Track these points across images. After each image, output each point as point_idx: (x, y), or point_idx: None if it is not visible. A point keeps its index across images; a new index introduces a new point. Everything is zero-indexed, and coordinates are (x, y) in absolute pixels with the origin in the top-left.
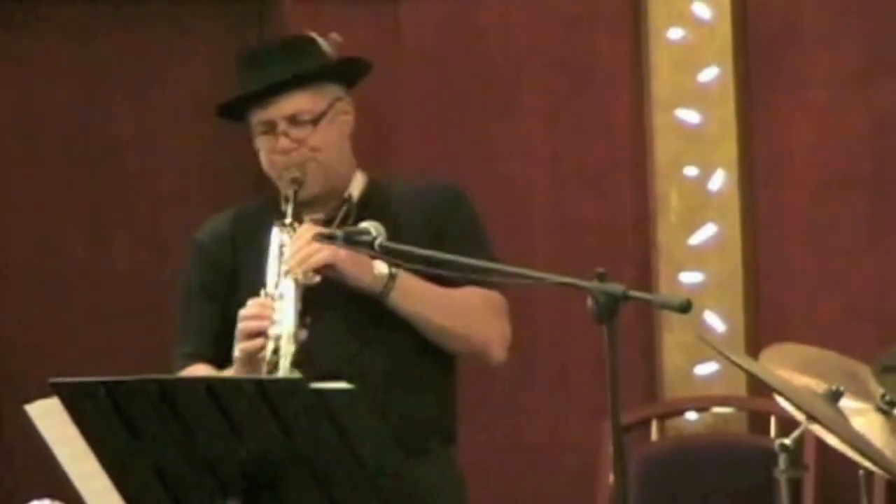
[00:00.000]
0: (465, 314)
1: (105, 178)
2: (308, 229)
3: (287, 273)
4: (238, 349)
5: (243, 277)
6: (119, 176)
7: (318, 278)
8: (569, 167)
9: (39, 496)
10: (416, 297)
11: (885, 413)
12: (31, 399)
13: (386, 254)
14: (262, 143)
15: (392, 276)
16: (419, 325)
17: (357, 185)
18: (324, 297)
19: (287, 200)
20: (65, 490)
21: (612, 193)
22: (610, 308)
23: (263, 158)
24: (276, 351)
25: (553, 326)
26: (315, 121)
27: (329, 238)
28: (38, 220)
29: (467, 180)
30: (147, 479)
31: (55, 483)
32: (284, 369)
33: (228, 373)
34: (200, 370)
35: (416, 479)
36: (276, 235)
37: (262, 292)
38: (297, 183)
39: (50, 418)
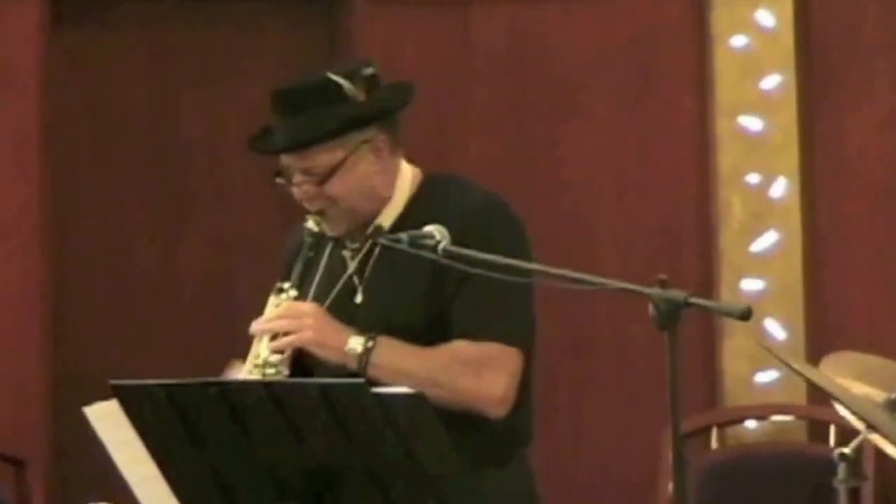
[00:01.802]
0: (443, 380)
1: (173, 179)
2: (285, 304)
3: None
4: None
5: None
6: (187, 177)
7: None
8: (632, 173)
9: (96, 500)
10: (392, 371)
11: None
12: (90, 403)
13: (449, 258)
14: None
15: (366, 353)
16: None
17: (391, 212)
18: None
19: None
20: (122, 494)
21: (674, 200)
22: (671, 315)
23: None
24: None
25: (614, 333)
26: (329, 174)
27: (395, 241)
28: (105, 220)
29: (531, 184)
30: (205, 483)
31: (112, 487)
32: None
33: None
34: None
35: (482, 487)
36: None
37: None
38: (318, 225)
39: (108, 421)
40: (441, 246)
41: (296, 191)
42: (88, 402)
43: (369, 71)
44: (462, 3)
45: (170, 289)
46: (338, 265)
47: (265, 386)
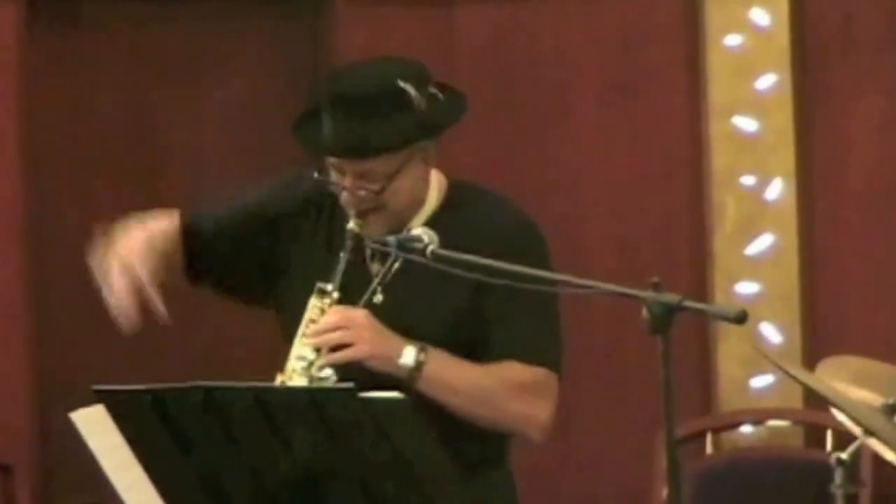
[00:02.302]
0: (494, 401)
1: (152, 179)
2: (337, 311)
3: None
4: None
5: (294, 258)
6: (166, 177)
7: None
8: (624, 175)
9: None
10: (443, 386)
11: None
12: (77, 408)
13: (438, 261)
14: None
15: (418, 367)
16: (447, 408)
17: (422, 216)
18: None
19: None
20: (110, 499)
21: (667, 202)
22: (664, 319)
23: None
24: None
25: (607, 337)
26: (387, 181)
27: (382, 244)
28: (85, 222)
29: (520, 186)
30: (192, 488)
31: (100, 492)
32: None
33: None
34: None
35: (471, 493)
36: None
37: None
38: (359, 226)
39: (95, 426)
40: (430, 249)
41: (346, 195)
42: (75, 406)
43: (433, 80)
44: (446, 3)
45: None
46: (357, 265)
47: (252, 391)
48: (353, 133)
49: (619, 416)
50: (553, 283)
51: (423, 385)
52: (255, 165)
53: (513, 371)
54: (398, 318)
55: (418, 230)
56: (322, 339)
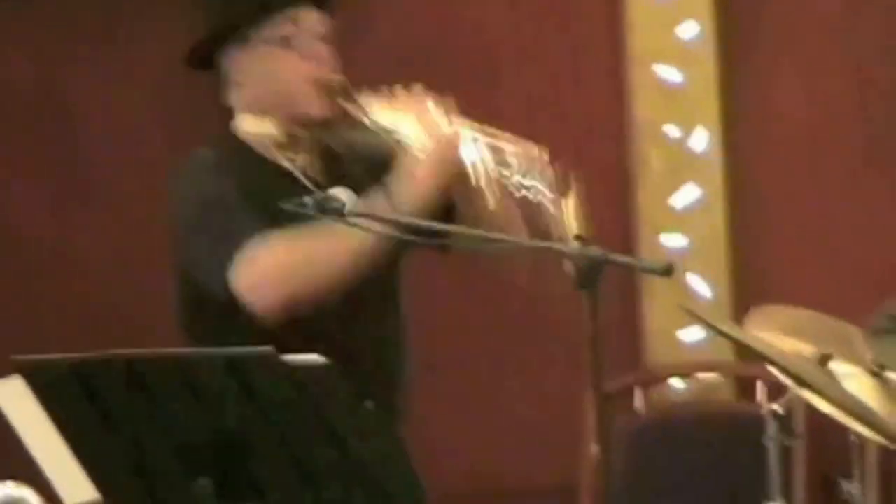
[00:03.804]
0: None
1: (63, 147)
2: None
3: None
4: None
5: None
6: (77, 144)
7: None
8: (543, 127)
9: (2, 479)
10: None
11: (877, 376)
12: None
13: (355, 220)
14: (294, 48)
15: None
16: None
17: None
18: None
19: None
20: (29, 472)
21: (589, 154)
22: (591, 273)
23: (286, 70)
24: None
25: (531, 293)
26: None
27: (300, 205)
28: None
29: None
30: (116, 460)
31: (18, 465)
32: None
33: None
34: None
35: (397, 448)
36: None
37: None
38: (343, 85)
39: (14, 399)
40: (347, 209)
41: (321, 46)
42: None
43: None
44: None
45: (65, 263)
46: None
47: (172, 357)
48: None
49: (546, 372)
50: (477, 239)
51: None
52: (175, 130)
53: None
54: None
55: (335, 189)
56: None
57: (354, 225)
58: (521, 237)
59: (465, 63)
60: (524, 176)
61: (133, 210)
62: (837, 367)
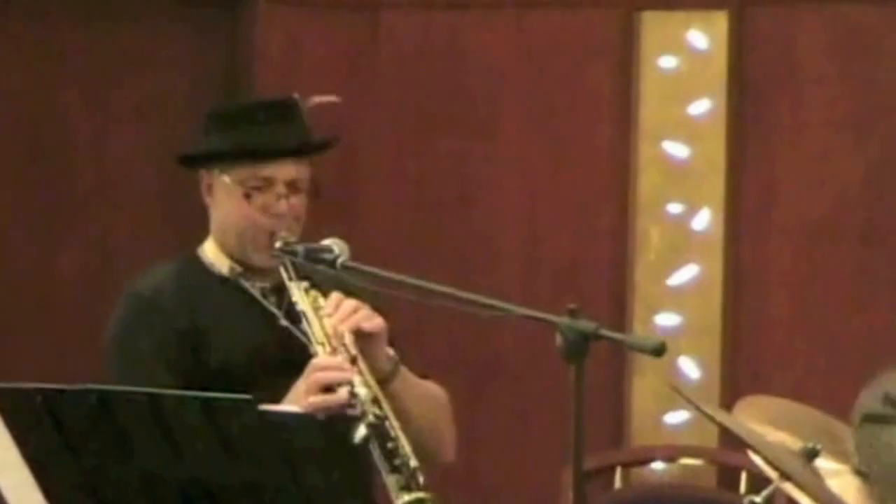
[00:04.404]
0: (440, 410)
1: (56, 181)
2: (340, 297)
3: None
4: (314, 403)
5: (208, 343)
6: (71, 178)
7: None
8: (545, 195)
9: None
10: (411, 383)
11: (863, 476)
12: None
13: (346, 271)
14: (251, 201)
15: (397, 361)
16: (405, 414)
17: None
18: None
19: (287, 270)
20: None
21: (588, 226)
22: (579, 346)
23: (241, 216)
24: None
25: (516, 363)
26: (305, 191)
27: (290, 253)
28: None
29: (437, 200)
30: (80, 493)
31: None
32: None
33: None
34: None
35: None
36: (298, 293)
37: (322, 348)
38: (287, 245)
39: None
40: (340, 260)
41: (283, 203)
42: None
43: (326, 99)
44: (371, 7)
45: (50, 292)
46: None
47: (147, 396)
48: (299, 133)
49: (526, 445)
50: (467, 303)
51: (398, 383)
52: (165, 165)
53: (438, 387)
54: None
55: (328, 241)
56: (356, 317)
57: (346, 274)
58: (512, 305)
59: (469, 130)
60: None
61: (113, 240)
62: (823, 463)
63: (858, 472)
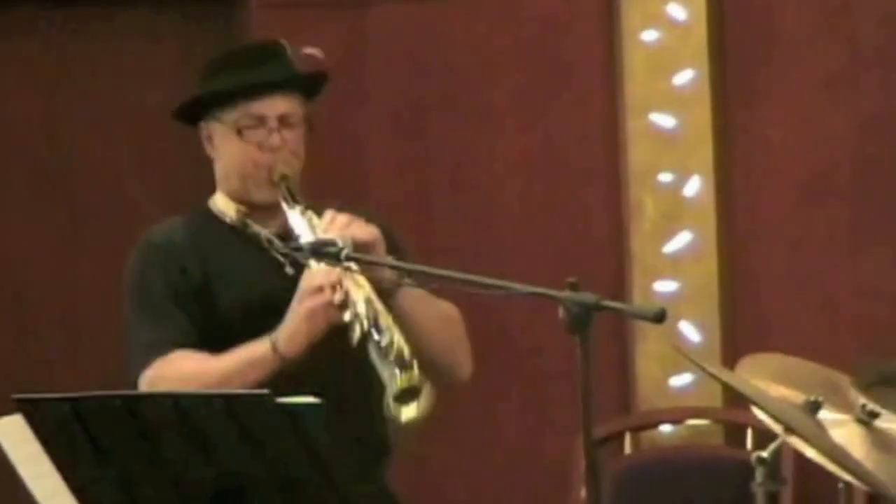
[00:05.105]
0: (452, 327)
1: (69, 187)
2: (333, 213)
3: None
4: (307, 306)
5: (218, 288)
6: (83, 184)
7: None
8: (540, 173)
9: None
10: (419, 297)
11: (865, 424)
12: None
13: (353, 262)
14: (245, 139)
15: (402, 275)
16: (415, 330)
17: None
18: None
19: (285, 198)
20: None
21: (584, 200)
22: (582, 319)
23: (239, 156)
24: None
25: (524, 338)
26: (300, 124)
27: (296, 250)
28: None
29: (434, 186)
30: (112, 498)
31: (19, 502)
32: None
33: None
34: (187, 356)
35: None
36: (294, 215)
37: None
38: (287, 180)
39: (13, 436)
40: (344, 253)
41: (275, 136)
42: None
43: (316, 53)
44: (359, 4)
45: (70, 297)
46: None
47: (171, 398)
48: (271, 70)
49: (538, 416)
50: (468, 283)
51: (406, 298)
52: (172, 171)
53: (451, 305)
54: None
55: (331, 234)
56: (350, 229)
57: (350, 267)
58: (514, 283)
59: (462, 111)
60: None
61: (126, 249)
62: (826, 414)
63: (860, 421)
